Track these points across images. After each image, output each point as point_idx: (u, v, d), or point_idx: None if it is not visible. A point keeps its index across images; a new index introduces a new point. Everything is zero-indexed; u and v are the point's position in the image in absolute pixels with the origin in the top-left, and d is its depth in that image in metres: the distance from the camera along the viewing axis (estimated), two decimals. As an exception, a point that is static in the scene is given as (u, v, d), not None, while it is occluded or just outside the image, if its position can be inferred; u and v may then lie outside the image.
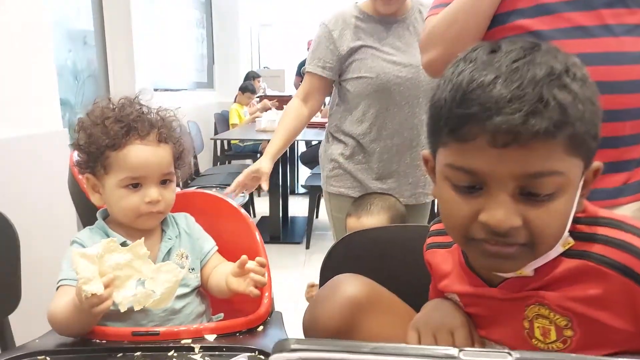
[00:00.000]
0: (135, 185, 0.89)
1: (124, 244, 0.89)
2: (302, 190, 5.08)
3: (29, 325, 1.22)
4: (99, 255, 0.73)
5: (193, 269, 0.96)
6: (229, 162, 4.92)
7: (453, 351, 0.33)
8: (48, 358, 0.76)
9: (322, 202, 3.45)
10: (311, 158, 4.84)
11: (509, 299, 0.62)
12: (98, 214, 0.96)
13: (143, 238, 0.78)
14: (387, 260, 1.01)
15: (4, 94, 1.64)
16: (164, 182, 0.92)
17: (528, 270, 0.60)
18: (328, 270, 1.01)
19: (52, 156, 1.93)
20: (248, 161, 5.35)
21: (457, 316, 0.68)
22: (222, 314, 1.03)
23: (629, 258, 0.54)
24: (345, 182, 1.55)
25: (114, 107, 0.92)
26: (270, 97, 5.86)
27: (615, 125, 0.86)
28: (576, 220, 0.60)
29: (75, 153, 0.98)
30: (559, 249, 0.59)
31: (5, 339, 1.18)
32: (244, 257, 0.87)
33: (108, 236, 0.91)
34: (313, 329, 0.69)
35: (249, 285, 0.85)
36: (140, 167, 0.89)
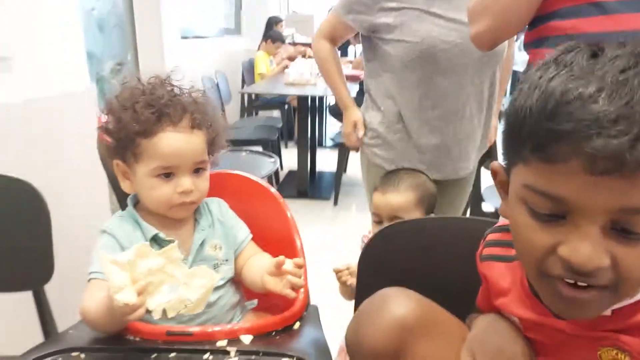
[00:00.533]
0: (168, 174, 0.84)
1: (155, 237, 0.85)
2: (329, 143, 5.00)
3: (64, 291, 1.23)
4: (130, 262, 0.68)
5: (227, 260, 0.93)
6: (256, 114, 4.85)
7: None
8: (82, 355, 0.74)
9: (351, 157, 3.40)
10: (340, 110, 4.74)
11: (579, 335, 0.56)
12: (129, 200, 0.92)
13: (177, 242, 0.73)
14: (429, 254, 0.95)
15: (27, 52, 1.59)
16: (197, 171, 0.87)
17: (606, 311, 0.53)
18: (367, 263, 0.97)
19: (81, 115, 1.90)
20: (275, 112, 5.28)
21: (518, 342, 0.62)
22: (255, 301, 1.01)
23: None
24: (383, 153, 1.47)
25: (144, 88, 0.85)
26: (301, 44, 5.68)
27: None
28: None
29: (103, 118, 0.92)
30: None
31: (43, 308, 1.19)
32: (281, 257, 0.82)
33: (139, 225, 0.87)
34: (357, 351, 0.64)
35: (286, 286, 0.81)
36: (172, 156, 0.83)
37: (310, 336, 0.83)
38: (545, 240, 0.49)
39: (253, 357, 0.75)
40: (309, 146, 3.57)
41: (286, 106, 4.78)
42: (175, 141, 0.83)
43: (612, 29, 0.82)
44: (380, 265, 0.96)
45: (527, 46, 0.99)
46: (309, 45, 5.81)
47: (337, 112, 4.80)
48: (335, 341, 1.12)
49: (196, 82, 3.27)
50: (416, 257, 0.96)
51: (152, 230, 0.86)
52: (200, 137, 0.87)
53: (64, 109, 1.77)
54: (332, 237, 2.84)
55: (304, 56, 5.22)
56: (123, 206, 1.43)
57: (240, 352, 0.75)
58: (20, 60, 1.56)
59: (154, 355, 0.75)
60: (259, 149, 3.37)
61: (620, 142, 0.42)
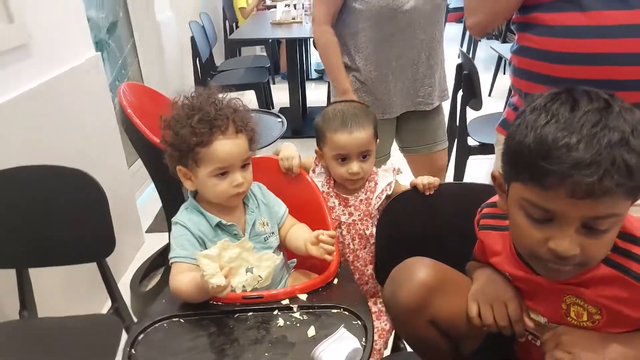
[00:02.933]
0: (223, 173, 1.04)
1: (219, 223, 1.06)
2: (314, 75, 5.08)
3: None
4: (217, 254, 0.91)
5: (273, 233, 1.15)
6: (239, 52, 4.85)
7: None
8: (182, 320, 0.98)
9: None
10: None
11: (552, 286, 0.81)
12: (189, 194, 1.12)
13: (248, 236, 0.96)
14: (433, 216, 1.19)
15: (40, 35, 1.67)
16: (244, 166, 1.07)
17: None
18: (382, 227, 1.20)
19: (93, 84, 2.01)
20: (258, 48, 5.27)
21: (509, 290, 0.88)
22: (295, 260, 1.24)
23: None
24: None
25: (194, 105, 1.03)
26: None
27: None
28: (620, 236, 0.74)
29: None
30: None
31: (107, 277, 1.42)
32: (319, 231, 1.05)
33: (203, 215, 1.08)
34: (394, 307, 0.90)
35: (324, 252, 1.04)
36: (226, 159, 1.03)
37: (347, 289, 1.08)
38: (538, 236, 0.71)
39: (310, 310, 1.00)
40: (299, 85, 3.68)
41: (270, 40, 4.80)
42: (227, 146, 1.03)
43: (585, 23, 0.97)
44: (395, 227, 1.19)
45: (516, 27, 1.15)
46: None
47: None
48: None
49: (186, 29, 3.30)
50: (422, 219, 1.19)
51: (215, 219, 1.07)
52: (244, 139, 1.07)
53: (77, 82, 1.87)
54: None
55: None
56: (162, 196, 1.65)
57: (300, 307, 1.00)
58: (36, 45, 1.65)
59: (235, 315, 0.99)
60: (252, 93, 3.50)
61: (592, 180, 0.63)
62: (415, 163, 1.91)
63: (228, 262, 0.93)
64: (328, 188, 1.27)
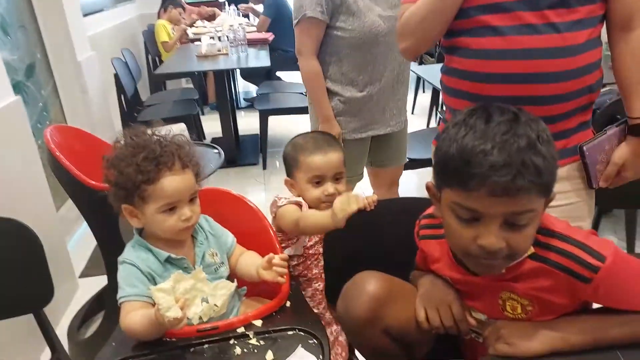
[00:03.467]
0: (172, 208, 1.05)
1: (168, 258, 1.06)
2: (243, 104, 5.12)
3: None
4: (171, 287, 0.91)
5: (222, 263, 1.16)
6: (164, 85, 4.80)
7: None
8: (135, 361, 0.96)
9: (270, 119, 3.58)
10: (251, 72, 4.82)
11: (488, 285, 0.88)
12: (134, 231, 1.11)
13: (201, 267, 0.96)
14: (377, 229, 1.25)
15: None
16: (192, 200, 1.08)
17: (502, 269, 0.85)
18: (329, 244, 1.24)
19: (15, 128, 1.93)
20: (183, 80, 5.24)
21: (451, 292, 0.95)
22: (245, 287, 1.25)
23: (573, 264, 0.80)
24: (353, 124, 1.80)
25: (138, 143, 1.03)
26: (198, 4, 5.57)
27: (556, 106, 1.08)
28: (540, 232, 0.84)
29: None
30: (524, 255, 0.84)
31: (46, 327, 1.35)
32: (271, 255, 1.07)
33: (151, 251, 1.07)
34: (348, 321, 0.94)
35: (276, 275, 1.07)
36: (174, 195, 1.04)
37: (301, 310, 1.10)
38: (468, 235, 0.79)
39: (266, 335, 1.01)
40: (230, 115, 3.70)
41: (196, 73, 4.79)
42: (174, 182, 1.04)
43: (502, 46, 1.07)
44: (341, 242, 1.23)
45: (444, 50, 1.24)
46: (212, 3, 5.70)
47: (248, 75, 4.89)
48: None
49: (109, 66, 3.24)
50: (366, 235, 1.24)
51: (164, 253, 1.07)
52: (190, 173, 1.08)
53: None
54: (269, 203, 3.08)
55: (212, 17, 5.15)
56: (98, 237, 1.60)
57: (256, 334, 1.01)
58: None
59: (192, 349, 0.98)
60: (183, 125, 3.46)
61: (506, 179, 0.72)
62: (380, 176, 2.04)
63: (183, 293, 0.93)
64: None
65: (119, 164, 1.03)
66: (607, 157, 1.13)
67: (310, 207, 1.27)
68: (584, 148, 1.10)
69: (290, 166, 1.30)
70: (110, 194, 1.06)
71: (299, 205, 1.26)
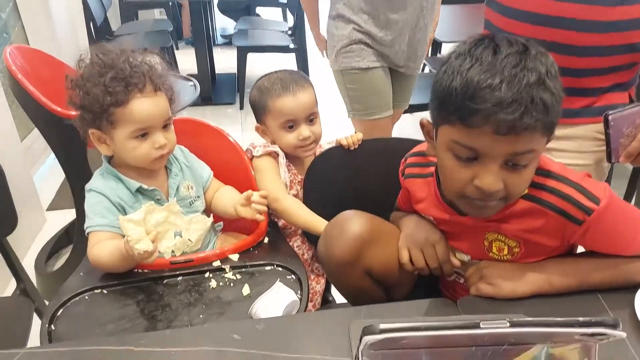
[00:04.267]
0: (144, 134, 0.97)
1: (139, 189, 1.00)
2: (220, 40, 4.90)
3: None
4: (142, 218, 0.85)
5: (198, 197, 1.10)
6: (136, 16, 4.53)
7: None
8: (105, 291, 0.92)
9: (249, 57, 3.44)
10: (230, 5, 4.59)
11: (475, 225, 0.86)
12: (103, 158, 1.03)
13: (175, 199, 0.90)
14: (361, 170, 1.21)
15: None
16: (166, 127, 1.00)
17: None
18: (311, 182, 1.20)
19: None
20: (156, 11, 4.95)
21: (435, 232, 0.92)
22: (221, 223, 1.21)
23: (567, 205, 0.78)
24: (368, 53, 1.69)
25: (106, 62, 0.94)
26: None
27: (582, 59, 1.03)
28: None
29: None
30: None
31: (9, 257, 1.30)
32: (249, 192, 1.02)
33: (121, 181, 1.00)
34: (329, 262, 0.90)
35: (255, 213, 1.02)
36: (146, 119, 0.96)
37: (279, 246, 1.07)
38: (465, 175, 0.75)
39: (243, 269, 0.98)
40: (207, 50, 3.53)
41: (170, 3, 4.53)
42: (146, 105, 0.96)
43: None
44: (322, 184, 1.19)
45: None
46: None
47: (226, 9, 4.66)
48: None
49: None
50: (348, 175, 1.21)
51: (135, 183, 1.00)
52: (163, 97, 0.99)
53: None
54: (247, 143, 3.00)
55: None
56: (66, 167, 1.51)
57: (232, 268, 0.98)
58: None
59: (164, 281, 0.94)
60: (157, 57, 3.29)
61: (514, 117, 0.67)
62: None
63: (155, 226, 0.88)
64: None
65: (85, 84, 0.94)
66: (636, 131, 1.03)
67: (286, 154, 1.21)
68: (610, 117, 1.00)
69: (259, 112, 1.21)
70: (76, 118, 0.98)
71: (275, 155, 1.19)
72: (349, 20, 1.67)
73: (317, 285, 1.26)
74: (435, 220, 0.93)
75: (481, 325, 0.54)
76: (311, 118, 1.20)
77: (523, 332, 0.56)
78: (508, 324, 0.54)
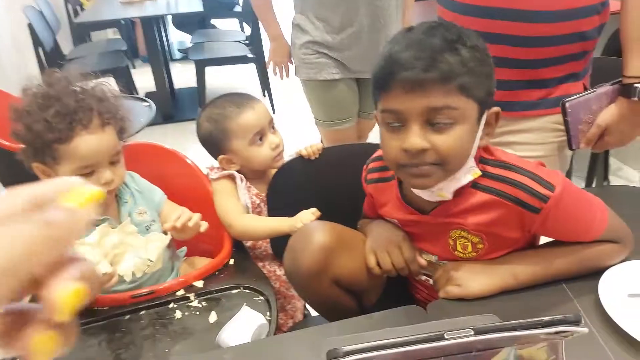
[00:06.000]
0: (90, 172, 0.93)
1: (102, 220, 0.96)
2: (178, 55, 4.83)
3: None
4: (97, 241, 0.82)
5: (154, 221, 1.07)
6: (89, 37, 4.44)
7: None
8: (63, 335, 0.87)
9: (208, 70, 3.39)
10: (184, 20, 4.52)
11: (438, 223, 0.86)
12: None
13: (129, 219, 0.87)
14: (324, 177, 1.19)
15: None
16: (113, 162, 0.96)
17: (447, 194, 0.82)
18: (273, 199, 1.17)
19: None
20: (109, 31, 4.86)
21: (399, 233, 0.92)
22: (185, 248, 1.18)
23: (523, 194, 0.79)
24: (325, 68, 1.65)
25: (50, 94, 0.90)
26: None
27: (537, 50, 1.03)
28: (485, 162, 0.82)
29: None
30: (468, 177, 0.80)
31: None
32: (173, 220, 0.98)
33: None
34: (296, 274, 0.88)
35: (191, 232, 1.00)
36: (90, 157, 0.92)
37: (245, 267, 1.05)
38: (395, 142, 0.77)
39: (209, 295, 0.95)
40: (164, 67, 3.47)
41: (122, 21, 4.44)
42: (90, 143, 0.91)
43: None
44: (285, 197, 1.17)
45: None
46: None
47: (180, 23, 4.60)
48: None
49: (20, 17, 2.90)
50: (311, 185, 1.19)
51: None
52: (111, 132, 0.95)
53: None
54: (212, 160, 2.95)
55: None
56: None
57: (198, 295, 0.95)
58: None
59: (127, 317, 0.91)
60: (111, 79, 3.22)
61: (416, 72, 0.72)
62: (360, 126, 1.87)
63: (111, 248, 0.84)
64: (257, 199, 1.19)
65: (27, 118, 0.90)
66: (594, 117, 1.06)
67: (258, 170, 1.18)
68: (567, 104, 1.02)
69: (220, 141, 1.15)
70: (21, 150, 0.94)
71: (232, 178, 1.16)
72: (304, 30, 1.64)
73: (299, 302, 1.24)
74: (400, 223, 0.92)
75: (445, 337, 0.53)
76: (272, 125, 1.18)
77: (488, 338, 0.55)
78: (472, 332, 0.53)
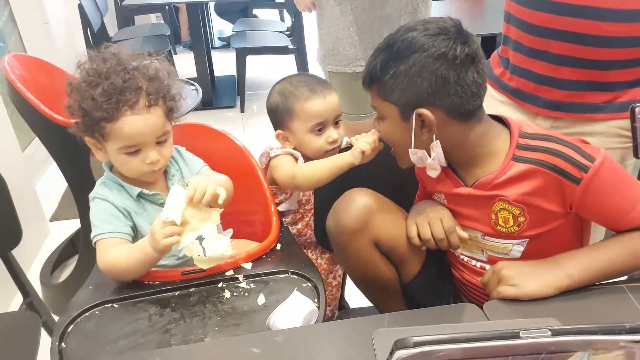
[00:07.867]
0: (135, 150, 0.94)
1: (140, 194, 0.98)
2: (218, 43, 4.86)
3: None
4: (187, 200, 0.86)
5: None
6: (133, 21, 4.50)
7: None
8: (115, 305, 0.89)
9: (249, 60, 3.41)
10: (227, 8, 4.56)
11: (480, 196, 0.87)
12: (104, 166, 1.01)
13: (222, 209, 0.89)
14: (373, 171, 1.17)
15: None
16: (160, 142, 0.96)
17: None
18: (321, 193, 1.16)
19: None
20: (152, 16, 4.92)
21: (442, 208, 0.94)
22: (231, 230, 1.18)
23: (562, 162, 0.79)
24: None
25: (99, 72, 0.91)
26: None
27: (603, 50, 0.99)
28: (525, 136, 0.85)
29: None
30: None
31: (15, 270, 1.27)
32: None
33: (123, 187, 0.98)
34: (338, 233, 0.94)
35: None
36: (135, 137, 0.92)
37: (292, 252, 1.04)
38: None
39: (257, 278, 0.95)
40: (205, 53, 3.50)
41: (167, 7, 4.49)
42: (135, 124, 0.91)
43: None
44: (330, 191, 1.16)
45: None
46: None
47: (223, 11, 4.63)
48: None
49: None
50: (359, 179, 1.17)
51: (135, 189, 0.98)
52: (158, 113, 0.94)
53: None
54: (248, 146, 2.97)
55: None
56: (68, 176, 1.48)
57: (246, 277, 0.95)
58: None
59: (176, 293, 0.91)
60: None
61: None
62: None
63: (189, 217, 0.86)
64: None
65: (77, 94, 0.91)
66: None
67: (310, 159, 1.15)
68: (637, 109, 0.96)
69: (283, 117, 1.15)
70: (73, 124, 0.95)
71: (295, 157, 1.15)
72: (332, 20, 1.58)
73: (338, 292, 1.24)
74: (445, 197, 0.94)
75: (521, 335, 0.51)
76: (338, 120, 1.16)
77: (565, 340, 0.52)
78: (550, 333, 0.51)
